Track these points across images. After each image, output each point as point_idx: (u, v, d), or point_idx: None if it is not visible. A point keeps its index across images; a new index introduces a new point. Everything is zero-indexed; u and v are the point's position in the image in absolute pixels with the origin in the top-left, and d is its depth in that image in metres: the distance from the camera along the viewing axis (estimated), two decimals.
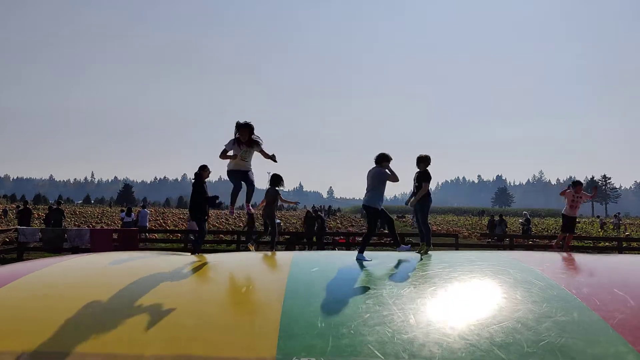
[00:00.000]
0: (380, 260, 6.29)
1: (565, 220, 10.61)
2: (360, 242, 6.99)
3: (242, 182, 7.06)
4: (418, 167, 6.88)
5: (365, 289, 4.68)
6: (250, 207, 7.46)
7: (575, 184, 10.60)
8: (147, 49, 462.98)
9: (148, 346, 3.64)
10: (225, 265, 6.07)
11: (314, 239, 16.16)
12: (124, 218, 19.90)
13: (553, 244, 11.27)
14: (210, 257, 6.47)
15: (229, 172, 6.97)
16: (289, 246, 15.13)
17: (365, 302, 4.31)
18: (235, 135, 6.71)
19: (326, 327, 3.83)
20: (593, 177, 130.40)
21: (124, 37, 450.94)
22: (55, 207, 20.30)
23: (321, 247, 15.38)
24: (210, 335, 3.79)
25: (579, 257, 7.56)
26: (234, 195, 7.24)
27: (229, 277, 5.47)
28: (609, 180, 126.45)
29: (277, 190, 7.84)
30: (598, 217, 55.66)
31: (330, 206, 58.71)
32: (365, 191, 6.67)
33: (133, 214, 20.04)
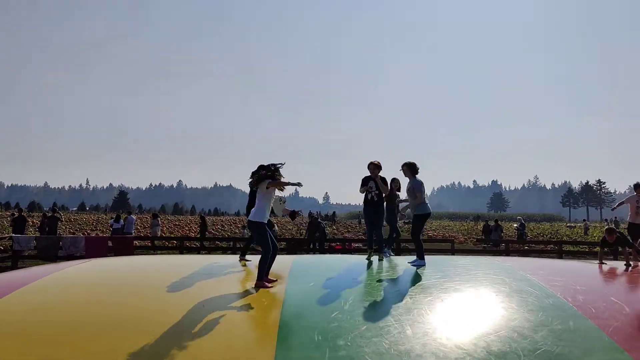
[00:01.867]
0: (377, 270, 6.29)
1: (632, 228, 9.34)
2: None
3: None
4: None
5: (362, 301, 4.68)
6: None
7: (637, 186, 9.34)
8: (142, 55, 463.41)
9: (142, 357, 3.63)
10: (222, 274, 6.03)
11: (316, 244, 16.30)
12: (112, 225, 20.07)
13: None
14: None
15: (263, 225, 5.46)
16: (290, 252, 15.11)
17: (362, 313, 4.32)
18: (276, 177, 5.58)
19: (323, 339, 3.83)
20: (587, 182, 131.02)
21: (119, 43, 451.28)
22: (50, 214, 20.21)
23: (322, 252, 15.49)
24: (207, 347, 3.78)
25: (574, 264, 7.60)
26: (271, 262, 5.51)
27: (227, 286, 5.44)
28: (604, 185, 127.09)
29: (397, 194, 7.79)
30: (584, 220, 55.82)
31: (334, 212, 58.79)
32: (426, 200, 6.76)
33: (122, 220, 20.15)
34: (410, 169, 6.69)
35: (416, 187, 6.63)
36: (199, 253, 17.05)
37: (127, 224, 19.86)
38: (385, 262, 6.75)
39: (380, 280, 5.62)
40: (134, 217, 21.04)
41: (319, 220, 18.06)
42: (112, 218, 21.60)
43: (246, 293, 5.21)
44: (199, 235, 22.87)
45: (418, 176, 6.74)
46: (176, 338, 3.87)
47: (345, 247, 17.11)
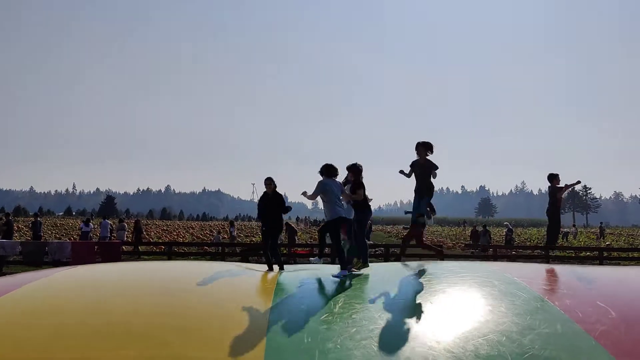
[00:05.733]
0: (366, 274, 6.30)
1: None
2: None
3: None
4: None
5: (351, 304, 4.69)
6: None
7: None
8: (131, 60, 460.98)
9: None
10: (211, 277, 5.99)
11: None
12: (82, 228, 20.29)
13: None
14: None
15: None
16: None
17: (352, 316, 4.32)
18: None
19: (312, 342, 3.83)
20: (573, 188, 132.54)
21: (107, 48, 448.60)
22: (34, 219, 20.27)
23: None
24: (195, 352, 3.75)
25: (562, 268, 7.66)
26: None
27: (215, 290, 5.41)
28: (589, 191, 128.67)
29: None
30: (573, 226, 56.29)
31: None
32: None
33: (91, 224, 20.32)
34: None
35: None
36: (187, 258, 16.96)
37: (101, 227, 19.92)
38: (374, 266, 6.75)
39: (369, 284, 5.63)
40: (108, 221, 21.04)
41: (291, 225, 18.82)
42: (83, 222, 21.69)
43: (234, 294, 5.19)
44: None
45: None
46: (162, 344, 3.83)
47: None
